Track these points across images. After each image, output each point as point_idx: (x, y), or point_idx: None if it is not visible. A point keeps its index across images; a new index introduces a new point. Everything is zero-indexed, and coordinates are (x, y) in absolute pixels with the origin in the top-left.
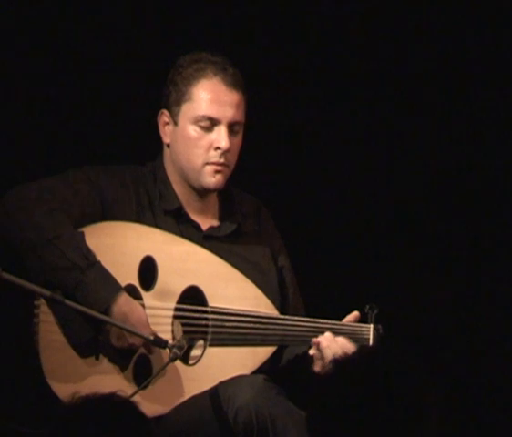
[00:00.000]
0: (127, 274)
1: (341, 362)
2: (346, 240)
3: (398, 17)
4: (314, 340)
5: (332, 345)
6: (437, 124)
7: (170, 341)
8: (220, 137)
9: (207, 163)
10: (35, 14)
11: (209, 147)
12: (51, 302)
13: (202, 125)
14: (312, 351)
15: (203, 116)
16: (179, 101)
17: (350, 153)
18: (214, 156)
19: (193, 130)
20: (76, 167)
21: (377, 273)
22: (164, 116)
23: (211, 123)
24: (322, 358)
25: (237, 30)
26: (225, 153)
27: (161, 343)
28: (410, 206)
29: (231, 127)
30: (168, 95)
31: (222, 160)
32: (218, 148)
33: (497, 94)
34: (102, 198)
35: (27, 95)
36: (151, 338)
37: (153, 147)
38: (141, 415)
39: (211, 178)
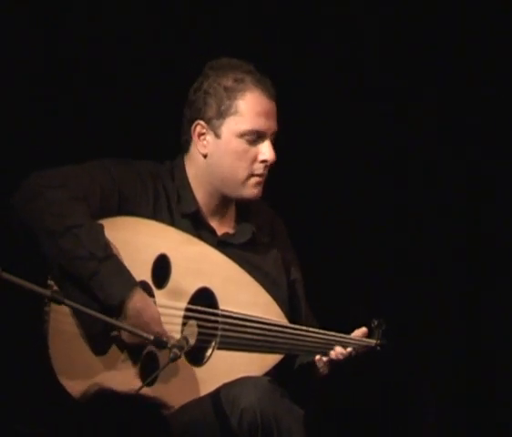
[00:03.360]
0: (140, 270)
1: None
2: (355, 252)
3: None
4: (324, 359)
5: (341, 356)
6: (440, 130)
7: (172, 341)
8: (266, 150)
9: (252, 175)
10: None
11: (254, 159)
12: (51, 302)
13: (248, 138)
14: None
15: (251, 131)
16: (223, 114)
17: (359, 163)
18: (259, 168)
19: (240, 144)
20: (96, 158)
21: (385, 287)
22: (200, 127)
23: (258, 136)
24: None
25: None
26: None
27: (161, 343)
28: (419, 220)
29: (271, 138)
30: (204, 106)
31: (266, 172)
32: (263, 161)
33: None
34: (120, 191)
35: (42, 90)
36: (151, 338)
37: (169, 147)
38: (161, 415)
39: (254, 190)
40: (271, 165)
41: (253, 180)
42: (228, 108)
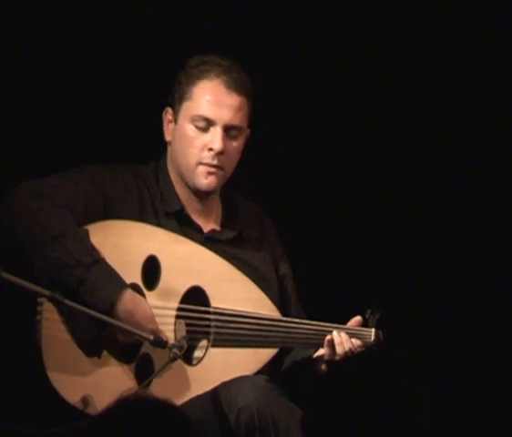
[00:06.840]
0: (130, 273)
1: (342, 361)
2: (347, 244)
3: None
4: (328, 337)
5: (346, 344)
6: (439, 125)
7: (171, 341)
8: (215, 138)
9: (200, 163)
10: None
11: (204, 147)
12: (51, 302)
13: (198, 125)
14: (322, 351)
15: (199, 116)
16: (181, 100)
17: (351, 157)
18: (207, 157)
19: (190, 129)
20: (78, 166)
21: (378, 277)
22: (168, 114)
23: (208, 124)
24: (333, 355)
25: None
26: (219, 155)
27: (161, 343)
28: (411, 210)
29: (228, 131)
30: (173, 93)
31: (215, 162)
32: (211, 150)
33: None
34: (105, 196)
35: (32, 94)
36: (151, 338)
37: (157, 147)
38: (188, 420)
39: (203, 179)
40: (221, 154)
41: (202, 169)
42: (184, 93)
